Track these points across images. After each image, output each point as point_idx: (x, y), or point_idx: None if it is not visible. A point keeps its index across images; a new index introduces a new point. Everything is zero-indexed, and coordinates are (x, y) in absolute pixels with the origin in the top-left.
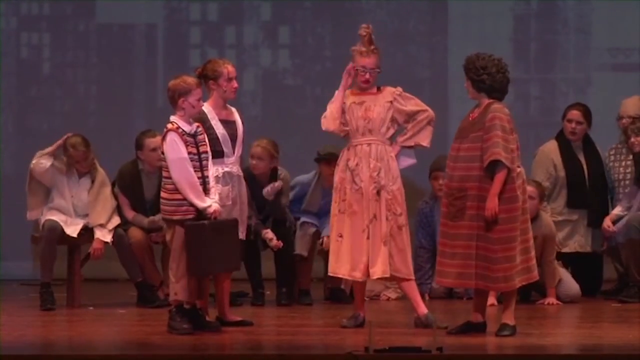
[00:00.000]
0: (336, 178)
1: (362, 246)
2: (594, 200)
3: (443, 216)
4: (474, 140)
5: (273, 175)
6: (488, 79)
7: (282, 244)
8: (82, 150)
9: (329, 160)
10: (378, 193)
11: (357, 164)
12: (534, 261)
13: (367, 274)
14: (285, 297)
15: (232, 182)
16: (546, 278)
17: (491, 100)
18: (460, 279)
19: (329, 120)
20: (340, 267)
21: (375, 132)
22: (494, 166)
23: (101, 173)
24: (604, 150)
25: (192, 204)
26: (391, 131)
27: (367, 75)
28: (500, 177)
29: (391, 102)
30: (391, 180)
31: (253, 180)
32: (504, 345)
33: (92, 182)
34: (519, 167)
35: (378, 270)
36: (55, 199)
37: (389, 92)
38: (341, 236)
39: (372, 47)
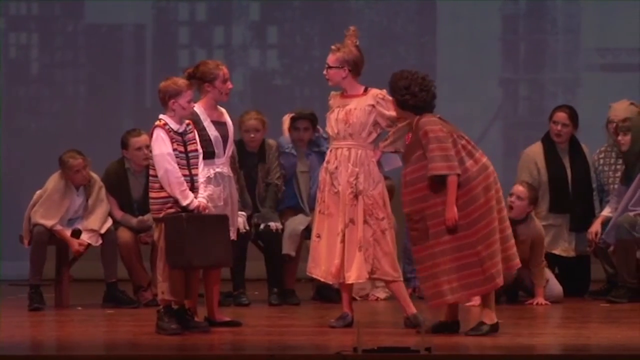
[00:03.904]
0: (320, 178)
1: (335, 249)
2: (576, 204)
3: (411, 243)
4: (415, 162)
5: (262, 147)
6: (411, 99)
7: (281, 226)
8: (80, 158)
9: (295, 117)
10: (356, 198)
11: (336, 168)
12: (514, 249)
13: (339, 277)
14: (276, 298)
15: (223, 183)
16: (535, 279)
17: (418, 117)
18: (456, 292)
19: None
20: (316, 267)
21: (355, 136)
22: (441, 179)
23: (97, 180)
24: (593, 151)
25: (176, 201)
26: (373, 135)
27: (324, 71)
28: (450, 185)
29: (373, 105)
30: (372, 184)
31: (247, 155)
32: (493, 345)
33: (88, 195)
34: (483, 157)
35: (353, 275)
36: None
37: (372, 95)
38: (319, 236)
39: (338, 45)
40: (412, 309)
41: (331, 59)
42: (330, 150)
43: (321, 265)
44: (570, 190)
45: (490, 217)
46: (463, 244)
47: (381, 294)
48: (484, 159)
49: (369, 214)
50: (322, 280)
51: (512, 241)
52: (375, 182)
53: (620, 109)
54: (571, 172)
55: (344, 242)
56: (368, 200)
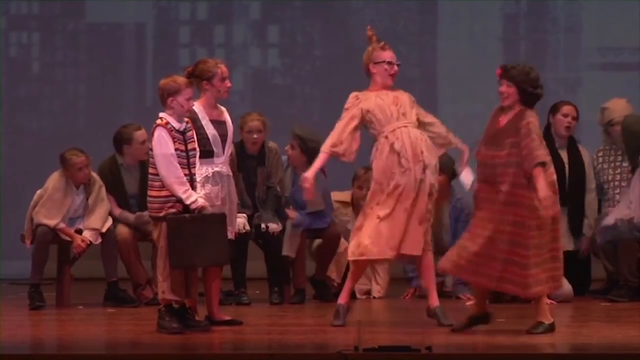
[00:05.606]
0: (380, 164)
1: (401, 225)
2: (572, 200)
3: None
4: (511, 146)
5: (262, 149)
6: (534, 92)
7: (280, 228)
8: (83, 156)
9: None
10: (423, 171)
11: (401, 146)
12: (561, 272)
13: (399, 251)
14: (277, 297)
15: (221, 182)
16: None
17: (522, 107)
18: (479, 276)
19: (349, 152)
20: (374, 246)
21: (407, 115)
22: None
23: (97, 179)
24: (593, 149)
25: (178, 200)
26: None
27: (396, 67)
28: (545, 177)
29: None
30: (433, 158)
31: (246, 158)
32: (494, 344)
33: (88, 194)
34: (553, 174)
35: (409, 247)
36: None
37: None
38: (379, 218)
39: (384, 42)
40: (435, 301)
41: (394, 55)
42: (386, 136)
43: (381, 242)
44: (567, 184)
45: (547, 230)
46: (517, 241)
47: (376, 291)
48: (554, 176)
49: (429, 187)
50: (379, 258)
51: (561, 264)
52: (434, 154)
53: (619, 108)
54: (569, 168)
55: (411, 217)
56: (431, 174)
